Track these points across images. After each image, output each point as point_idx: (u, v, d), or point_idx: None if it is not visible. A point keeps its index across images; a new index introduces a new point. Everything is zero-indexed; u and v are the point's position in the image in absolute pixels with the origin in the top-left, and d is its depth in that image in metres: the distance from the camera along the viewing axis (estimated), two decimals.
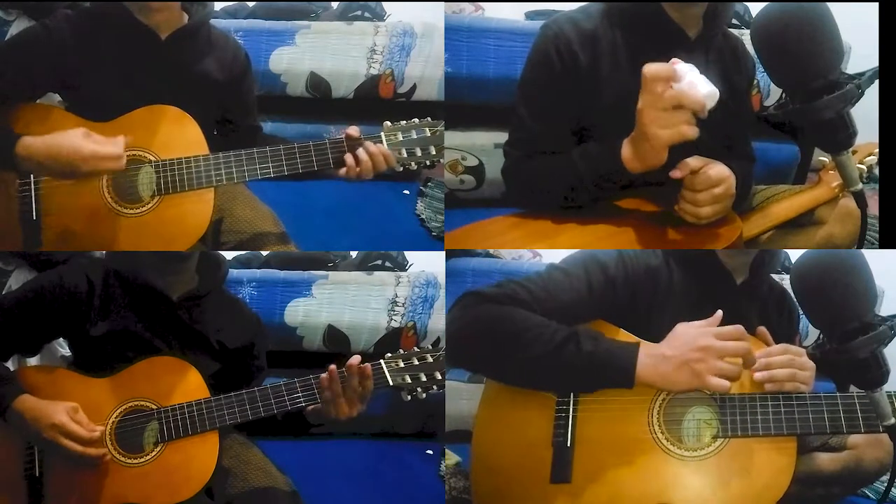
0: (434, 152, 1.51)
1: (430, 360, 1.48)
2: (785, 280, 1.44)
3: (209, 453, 1.39)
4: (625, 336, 1.32)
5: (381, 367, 1.46)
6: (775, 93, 2.22)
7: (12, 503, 1.36)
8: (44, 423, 1.32)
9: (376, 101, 2.39)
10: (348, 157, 1.46)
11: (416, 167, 1.51)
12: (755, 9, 1.48)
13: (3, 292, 1.88)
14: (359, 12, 2.47)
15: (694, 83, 1.19)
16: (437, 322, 2.31)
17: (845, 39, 1.31)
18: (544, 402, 1.33)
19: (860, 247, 1.46)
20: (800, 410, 1.26)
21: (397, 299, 2.32)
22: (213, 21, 1.59)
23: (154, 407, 1.40)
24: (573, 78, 1.41)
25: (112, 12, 1.47)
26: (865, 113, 1.36)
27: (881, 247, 1.57)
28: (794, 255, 1.71)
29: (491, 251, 2.31)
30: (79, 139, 1.34)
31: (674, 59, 1.21)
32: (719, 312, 1.25)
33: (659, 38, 1.40)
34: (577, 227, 1.41)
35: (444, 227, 2.18)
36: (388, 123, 1.51)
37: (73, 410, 1.33)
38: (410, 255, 2.42)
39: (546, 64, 1.42)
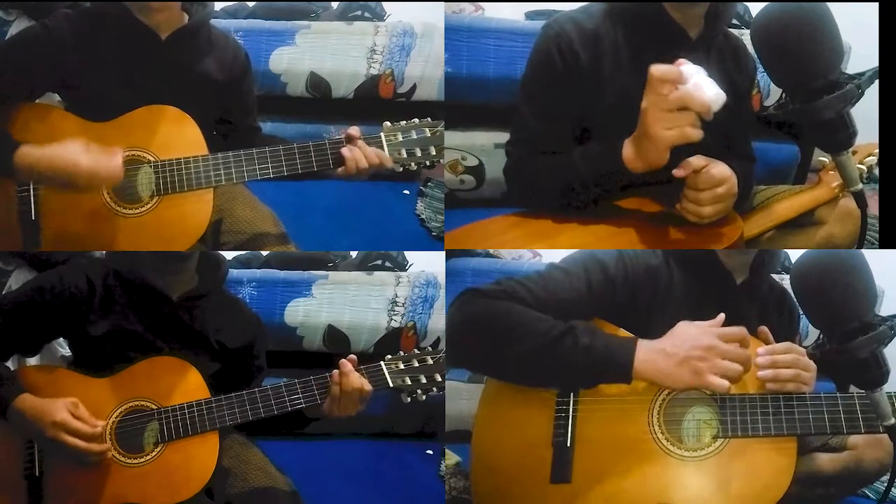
0: (434, 152, 1.51)
1: (430, 361, 1.48)
2: (785, 280, 1.44)
3: (209, 453, 1.39)
4: (624, 335, 1.31)
5: (381, 369, 1.46)
6: (775, 93, 2.22)
7: (12, 503, 1.36)
8: (46, 422, 1.31)
9: (376, 101, 2.39)
10: (345, 151, 1.46)
11: (415, 167, 1.51)
12: (755, 9, 1.48)
13: (3, 292, 1.88)
14: (359, 12, 2.47)
15: (700, 85, 1.18)
16: (437, 322, 2.31)
17: (845, 39, 1.31)
18: (544, 402, 1.33)
19: (860, 247, 1.46)
20: (800, 411, 1.26)
21: (397, 299, 2.32)
22: (213, 21, 1.59)
23: (154, 407, 1.40)
24: (575, 77, 1.41)
25: (112, 12, 1.47)
26: (865, 113, 1.36)
27: (881, 247, 1.57)
28: (794, 255, 1.70)
29: (491, 251, 2.31)
30: (77, 152, 1.34)
31: (680, 60, 1.21)
32: (722, 315, 1.25)
33: (660, 38, 1.40)
34: (577, 227, 1.41)
35: (444, 227, 2.18)
36: (388, 124, 1.51)
37: (73, 406, 1.33)
38: (410, 255, 2.42)
39: (548, 63, 1.42)
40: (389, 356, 1.49)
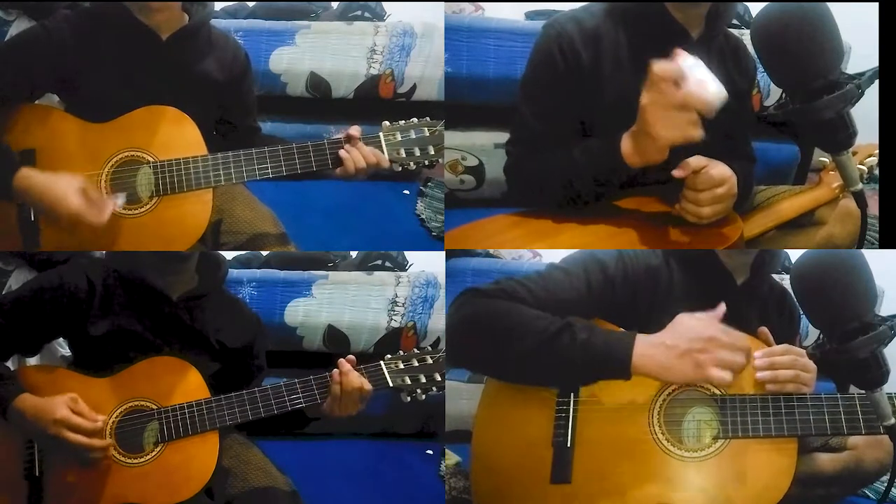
0: (433, 152, 1.51)
1: (430, 361, 1.48)
2: (785, 280, 1.44)
3: (209, 453, 1.39)
4: None
5: (381, 369, 1.46)
6: (775, 93, 2.22)
7: (12, 503, 1.36)
8: (47, 420, 1.31)
9: (376, 101, 2.39)
10: (343, 152, 1.46)
11: (414, 167, 1.51)
12: (755, 9, 1.48)
13: (3, 292, 1.88)
14: (359, 12, 2.47)
15: (702, 83, 1.17)
16: (437, 322, 2.31)
17: (845, 39, 1.31)
18: (544, 402, 1.33)
19: (860, 247, 1.46)
20: (800, 411, 1.26)
21: (397, 299, 2.32)
22: (213, 21, 1.59)
23: (154, 407, 1.40)
24: (576, 77, 1.41)
25: (112, 12, 1.47)
26: (865, 113, 1.36)
27: (881, 247, 1.57)
28: (795, 255, 1.70)
29: (491, 251, 2.31)
30: (71, 191, 1.33)
31: (678, 51, 1.21)
32: (722, 305, 1.23)
33: (661, 38, 1.40)
34: (577, 226, 1.41)
35: (444, 227, 2.18)
36: (387, 123, 1.51)
37: (72, 402, 1.33)
38: (410, 255, 2.42)
39: (548, 63, 1.42)
40: (389, 356, 1.49)
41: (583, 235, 1.39)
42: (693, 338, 1.19)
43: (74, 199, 1.33)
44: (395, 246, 2.37)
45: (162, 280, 1.47)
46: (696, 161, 1.31)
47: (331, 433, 1.91)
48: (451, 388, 2.02)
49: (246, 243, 1.59)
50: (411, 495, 2.01)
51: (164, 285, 1.47)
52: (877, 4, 1.58)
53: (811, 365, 1.28)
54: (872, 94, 1.31)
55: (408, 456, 2.19)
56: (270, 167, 1.46)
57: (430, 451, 2.19)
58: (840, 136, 1.24)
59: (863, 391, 1.23)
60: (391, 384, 1.45)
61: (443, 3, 2.23)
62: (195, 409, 1.39)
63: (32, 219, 1.43)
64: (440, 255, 2.22)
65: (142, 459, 1.38)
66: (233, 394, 1.41)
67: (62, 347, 1.79)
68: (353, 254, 2.41)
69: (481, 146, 2.18)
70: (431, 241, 2.23)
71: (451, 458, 2.01)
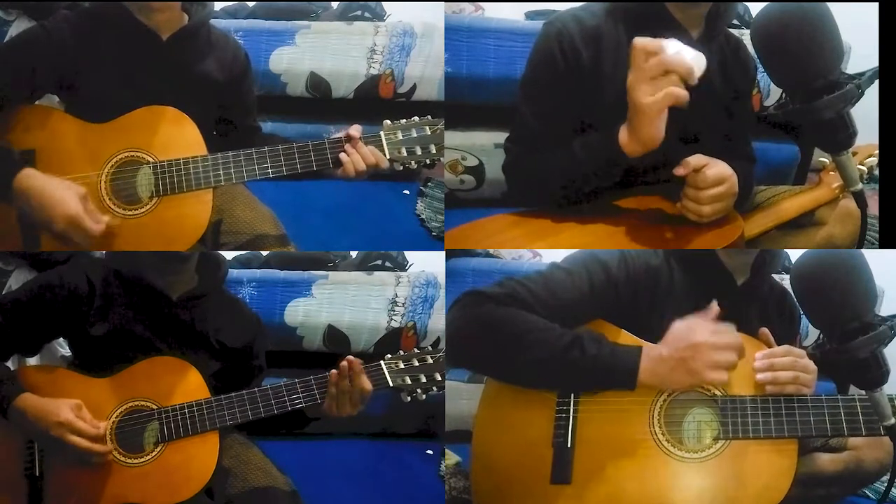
0: (434, 151, 1.51)
1: (430, 361, 1.48)
2: (785, 280, 1.44)
3: (209, 453, 1.39)
4: (626, 337, 1.31)
5: (381, 369, 1.46)
6: (775, 93, 2.22)
7: (12, 503, 1.36)
8: (50, 421, 1.31)
9: (376, 101, 2.39)
10: (343, 155, 1.46)
11: (416, 166, 1.51)
12: (755, 9, 1.48)
13: (3, 292, 1.88)
14: (359, 12, 2.47)
15: (680, 51, 1.19)
16: (437, 322, 2.31)
17: (845, 39, 1.31)
18: (544, 403, 1.33)
19: (860, 247, 1.46)
20: (801, 413, 1.26)
21: (397, 299, 2.32)
22: (213, 21, 1.59)
23: (154, 407, 1.40)
24: (576, 75, 1.41)
25: (112, 13, 1.47)
26: (865, 113, 1.36)
27: (881, 247, 1.57)
28: (795, 255, 1.70)
29: (491, 251, 2.31)
30: (70, 199, 1.33)
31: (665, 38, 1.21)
32: (714, 305, 1.25)
33: (662, 38, 1.40)
34: (576, 226, 1.41)
35: (444, 227, 2.18)
36: (388, 122, 1.51)
37: (77, 408, 1.33)
38: (410, 255, 2.42)
39: (549, 61, 1.42)
40: (389, 355, 1.49)
41: (583, 235, 1.39)
42: (683, 346, 1.23)
43: (74, 203, 1.33)
44: (395, 246, 2.37)
45: (162, 280, 1.47)
46: (696, 159, 1.31)
47: (331, 433, 1.91)
48: (451, 388, 2.03)
49: (246, 244, 1.59)
50: (411, 495, 2.01)
51: (164, 285, 1.47)
52: (877, 4, 1.58)
53: (811, 366, 1.28)
54: (872, 94, 1.31)
55: (408, 456, 2.19)
56: (270, 167, 1.46)
57: (430, 451, 2.19)
58: (840, 136, 1.24)
59: (863, 391, 1.23)
60: (391, 384, 1.45)
61: (443, 3, 2.23)
62: (195, 409, 1.39)
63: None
64: (440, 255, 2.22)
65: (142, 459, 1.38)
66: (233, 394, 1.41)
67: (62, 347, 1.79)
68: (353, 254, 2.41)
69: (481, 146, 2.18)
70: (431, 241, 2.23)
71: (451, 458, 2.01)
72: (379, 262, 2.41)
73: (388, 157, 1.49)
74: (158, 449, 1.38)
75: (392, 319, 2.31)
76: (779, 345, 1.31)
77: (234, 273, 2.25)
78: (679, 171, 1.31)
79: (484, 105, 2.14)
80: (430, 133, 1.51)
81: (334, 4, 2.49)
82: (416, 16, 2.39)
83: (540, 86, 1.46)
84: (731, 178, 1.33)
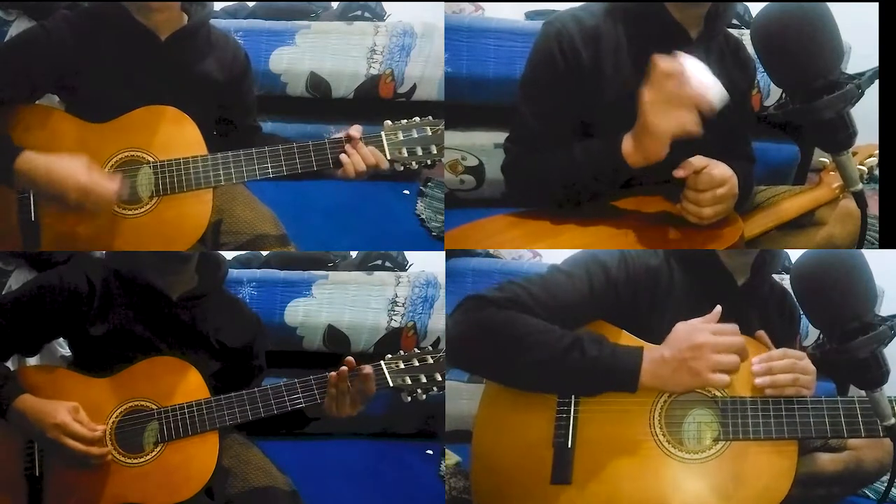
0: (435, 151, 1.51)
1: (431, 361, 1.48)
2: (785, 280, 1.44)
3: (209, 453, 1.39)
4: (626, 338, 1.31)
5: (382, 369, 1.46)
6: (775, 93, 2.22)
7: (12, 503, 1.36)
8: (47, 423, 1.31)
9: (376, 101, 2.39)
10: (343, 156, 1.46)
11: (416, 166, 1.51)
12: (755, 9, 1.48)
13: (3, 292, 1.88)
14: (359, 12, 2.47)
15: (704, 82, 1.18)
16: (437, 322, 2.31)
17: (845, 39, 1.31)
18: (545, 403, 1.33)
19: (860, 247, 1.46)
20: (801, 414, 1.26)
21: (397, 299, 2.32)
22: (212, 21, 1.59)
23: (154, 407, 1.40)
24: (575, 75, 1.41)
25: (111, 13, 1.47)
26: (865, 113, 1.36)
27: (881, 247, 1.57)
28: (795, 255, 1.70)
29: (491, 251, 2.31)
30: (78, 168, 1.33)
31: (677, 53, 1.21)
32: (718, 308, 1.25)
33: (661, 37, 1.40)
34: (576, 227, 1.41)
35: (444, 227, 2.18)
36: (389, 122, 1.51)
37: (74, 410, 1.33)
38: (410, 255, 2.42)
39: (548, 61, 1.42)
40: (389, 355, 1.48)
41: (583, 236, 1.39)
42: (685, 347, 1.23)
43: (82, 174, 1.33)
44: (395, 246, 2.37)
45: (162, 280, 1.47)
46: (697, 161, 1.31)
47: (331, 433, 1.91)
48: (451, 388, 2.02)
49: (246, 244, 1.59)
50: (411, 495, 2.01)
51: (164, 285, 1.47)
52: (877, 4, 1.58)
53: (810, 367, 1.28)
54: (872, 94, 1.31)
55: (408, 456, 2.19)
56: (271, 167, 1.46)
57: (430, 451, 2.19)
58: (840, 136, 1.24)
59: (863, 392, 1.23)
60: (391, 384, 1.45)
61: (443, 3, 2.23)
62: (195, 409, 1.39)
63: (33, 218, 1.43)
64: (440, 255, 2.22)
65: (142, 459, 1.38)
66: (233, 394, 1.41)
67: (62, 347, 1.79)
68: (353, 254, 2.41)
69: (481, 146, 2.18)
70: (431, 241, 2.23)
71: (451, 458, 2.01)
72: (379, 262, 2.41)
73: (388, 157, 1.49)
74: (158, 449, 1.38)
75: (392, 319, 2.31)
76: (780, 345, 1.31)
77: (234, 273, 2.25)
78: (679, 172, 1.31)
79: (484, 105, 2.14)
80: (430, 133, 1.51)
81: (334, 4, 2.49)
82: (416, 16, 2.39)
83: (539, 86, 1.46)
84: (732, 179, 1.33)
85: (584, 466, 1.29)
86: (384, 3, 2.49)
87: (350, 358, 1.41)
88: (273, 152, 1.46)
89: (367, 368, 1.42)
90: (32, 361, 1.67)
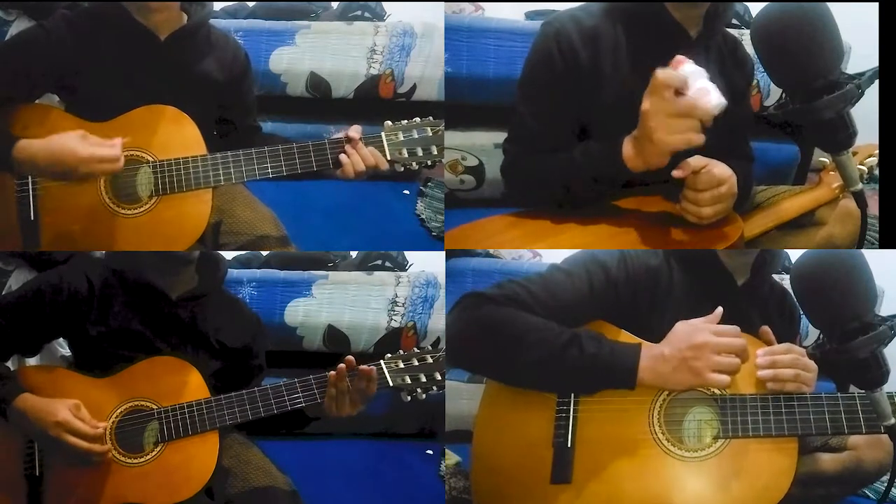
0: (435, 152, 1.51)
1: (430, 360, 1.48)
2: (785, 280, 1.44)
3: (209, 453, 1.39)
4: (626, 337, 1.31)
5: (382, 368, 1.46)
6: (775, 93, 2.22)
7: (12, 503, 1.36)
8: (48, 421, 1.31)
9: (376, 101, 2.39)
10: (343, 157, 1.46)
11: (417, 167, 1.51)
12: (755, 9, 1.48)
13: (3, 292, 1.88)
14: (359, 12, 2.47)
15: (704, 91, 1.19)
16: (437, 322, 2.31)
17: (845, 39, 1.31)
18: (545, 403, 1.33)
19: (860, 247, 1.46)
20: (801, 411, 1.26)
21: (397, 299, 2.32)
22: (212, 21, 1.59)
23: (154, 407, 1.40)
24: (574, 75, 1.41)
25: (111, 13, 1.47)
26: (865, 113, 1.36)
27: (881, 247, 1.57)
28: (795, 255, 1.70)
29: (491, 251, 2.31)
30: (76, 141, 1.33)
31: (679, 57, 1.21)
32: (719, 309, 1.25)
33: (660, 37, 1.40)
34: (576, 226, 1.41)
35: (444, 227, 2.18)
36: (389, 123, 1.51)
37: (75, 408, 1.33)
38: (410, 255, 2.42)
39: (547, 61, 1.42)
40: (389, 355, 1.48)
41: (583, 235, 1.39)
42: (686, 346, 1.23)
43: (83, 146, 1.33)
44: (395, 246, 2.37)
45: (162, 280, 1.47)
46: (696, 161, 1.31)
47: (331, 433, 1.91)
48: (451, 388, 2.02)
49: (246, 244, 1.59)
50: (411, 495, 2.01)
51: (164, 285, 1.47)
52: (877, 4, 1.58)
53: (812, 365, 1.28)
54: (872, 94, 1.31)
55: (408, 456, 2.19)
56: (270, 167, 1.46)
57: (430, 451, 2.19)
58: (840, 136, 1.24)
59: (863, 391, 1.23)
60: (391, 384, 1.45)
61: (443, 3, 2.23)
62: (195, 408, 1.39)
63: (33, 218, 1.43)
64: (440, 255, 2.22)
65: (142, 459, 1.38)
66: (233, 394, 1.41)
67: (62, 347, 1.79)
68: (353, 254, 2.41)
69: (481, 146, 2.18)
70: (431, 241, 2.23)
71: (451, 458, 2.01)
72: (379, 262, 2.41)
73: (388, 157, 1.49)
74: (158, 449, 1.38)
75: (392, 319, 2.31)
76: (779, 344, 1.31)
77: (234, 273, 2.25)
78: (678, 172, 1.31)
79: (484, 105, 2.14)
80: (431, 134, 1.51)
81: (334, 4, 2.49)
82: (416, 16, 2.39)
83: (538, 86, 1.46)
84: (731, 179, 1.33)
85: (584, 466, 1.29)
86: (384, 3, 2.49)
87: (350, 357, 1.41)
88: (273, 152, 1.46)
89: (367, 368, 1.42)
90: (32, 361, 1.67)
